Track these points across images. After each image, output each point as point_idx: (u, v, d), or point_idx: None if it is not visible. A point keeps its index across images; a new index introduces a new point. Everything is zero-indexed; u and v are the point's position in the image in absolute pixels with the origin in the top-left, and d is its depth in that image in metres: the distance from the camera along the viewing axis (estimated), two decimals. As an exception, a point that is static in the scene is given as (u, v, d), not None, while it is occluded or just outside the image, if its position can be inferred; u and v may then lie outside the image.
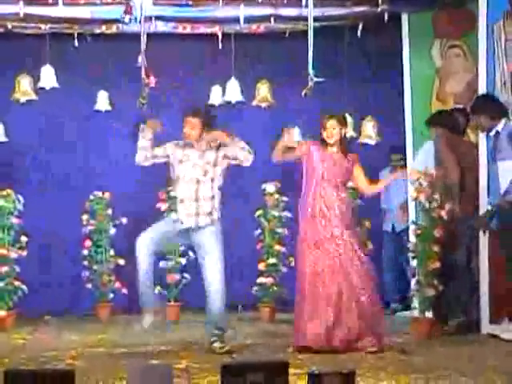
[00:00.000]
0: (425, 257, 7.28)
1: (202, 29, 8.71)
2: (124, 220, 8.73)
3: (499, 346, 6.89)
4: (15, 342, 7.40)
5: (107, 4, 7.87)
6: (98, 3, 7.88)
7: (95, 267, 8.66)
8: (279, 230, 8.68)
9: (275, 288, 8.62)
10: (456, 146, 7.54)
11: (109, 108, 8.98)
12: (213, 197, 6.82)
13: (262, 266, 8.64)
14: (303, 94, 6.70)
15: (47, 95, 8.69)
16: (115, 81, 8.95)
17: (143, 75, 6.81)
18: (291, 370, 4.38)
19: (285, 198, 8.66)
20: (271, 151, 6.97)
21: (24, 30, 8.45)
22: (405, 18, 8.39)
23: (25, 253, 8.29)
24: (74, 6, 7.84)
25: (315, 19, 6.94)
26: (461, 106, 7.91)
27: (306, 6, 7.23)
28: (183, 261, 8.49)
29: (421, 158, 7.91)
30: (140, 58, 6.83)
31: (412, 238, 7.64)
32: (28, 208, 8.36)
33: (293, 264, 8.59)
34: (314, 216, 6.78)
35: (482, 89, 7.37)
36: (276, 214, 8.69)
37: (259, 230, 8.72)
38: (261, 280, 8.62)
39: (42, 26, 8.37)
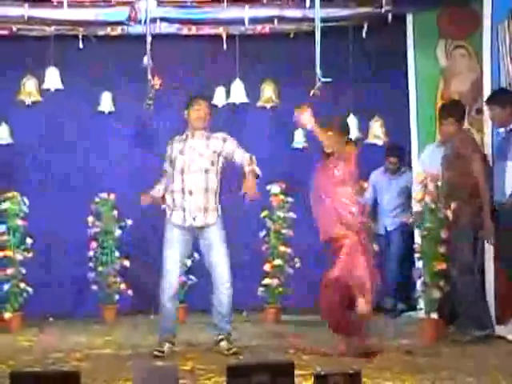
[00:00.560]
0: (431, 258, 7.26)
1: (207, 30, 8.73)
2: (129, 221, 8.74)
3: (505, 346, 6.87)
4: (21, 344, 7.41)
5: (112, 6, 7.89)
6: (102, 5, 7.90)
7: (100, 269, 8.66)
8: (284, 231, 8.67)
9: (280, 289, 8.61)
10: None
11: (112, 109, 8.99)
12: (217, 188, 6.81)
13: (267, 267, 8.64)
14: (311, 94, 6.65)
15: (50, 97, 8.69)
16: (118, 82, 8.95)
17: (149, 77, 6.81)
18: (296, 371, 4.37)
19: (290, 199, 8.66)
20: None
21: (29, 32, 8.47)
22: (409, 18, 8.39)
23: (30, 254, 8.31)
24: (78, 8, 7.86)
25: (320, 20, 6.93)
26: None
27: (310, 7, 7.24)
28: (188, 262, 8.48)
29: (424, 159, 7.89)
30: (145, 60, 6.83)
31: (418, 240, 7.61)
32: (28, 208, 8.37)
33: (298, 265, 8.61)
34: None
35: (486, 89, 7.35)
36: (281, 214, 8.69)
37: (264, 231, 8.71)
38: (266, 281, 8.62)
39: (47, 28, 8.39)
